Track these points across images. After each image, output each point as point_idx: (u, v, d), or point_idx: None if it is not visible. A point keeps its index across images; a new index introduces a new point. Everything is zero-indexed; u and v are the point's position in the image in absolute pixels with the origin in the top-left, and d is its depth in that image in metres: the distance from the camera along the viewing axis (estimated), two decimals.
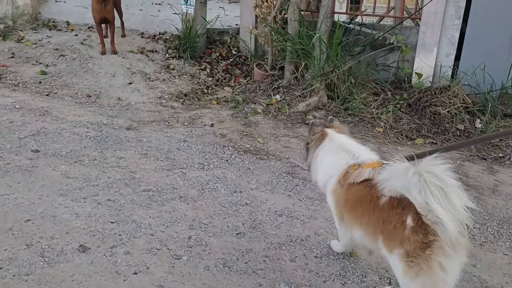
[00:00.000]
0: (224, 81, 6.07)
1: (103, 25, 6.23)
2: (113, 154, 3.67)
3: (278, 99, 5.34)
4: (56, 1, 7.90)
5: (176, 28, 6.61)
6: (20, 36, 6.40)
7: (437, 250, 1.63)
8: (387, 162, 1.98)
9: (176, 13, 6.81)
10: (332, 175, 2.23)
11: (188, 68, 6.15)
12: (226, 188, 3.31)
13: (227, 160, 3.81)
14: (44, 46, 6.19)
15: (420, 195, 1.63)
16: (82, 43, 6.38)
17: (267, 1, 5.99)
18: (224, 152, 3.96)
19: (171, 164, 3.61)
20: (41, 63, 5.69)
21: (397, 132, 4.75)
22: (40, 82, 5.20)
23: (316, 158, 2.34)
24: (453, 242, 1.61)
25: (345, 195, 2.12)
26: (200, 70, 6.18)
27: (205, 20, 6.50)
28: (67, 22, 7.18)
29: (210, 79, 6.07)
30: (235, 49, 6.74)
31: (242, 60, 6.54)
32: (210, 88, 5.79)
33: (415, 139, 4.62)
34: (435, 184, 1.60)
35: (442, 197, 1.59)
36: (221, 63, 6.47)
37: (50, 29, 6.89)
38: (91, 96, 5.05)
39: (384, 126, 4.81)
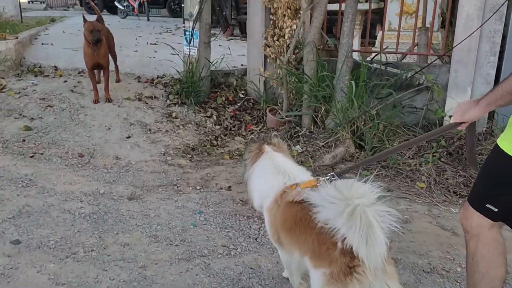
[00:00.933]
0: (233, 129, 5.40)
1: (96, 71, 5.58)
2: (115, 240, 2.93)
3: (299, 151, 4.68)
4: (42, 44, 7.26)
5: (177, 71, 5.98)
6: (1, 84, 5.70)
7: (356, 276, 1.64)
8: (323, 179, 2.02)
9: (174, 53, 6.21)
10: (267, 196, 2.18)
11: (192, 116, 5.49)
12: (264, 284, 2.58)
13: (256, 239, 3.08)
14: (29, 96, 5.50)
15: (347, 230, 1.62)
16: (72, 91, 5.71)
17: (278, 40, 5.42)
18: (250, 227, 3.24)
19: (189, 251, 2.87)
20: (25, 116, 4.97)
21: (443, 187, 4.09)
22: (24, 140, 4.46)
23: (251, 177, 2.31)
24: (374, 270, 1.61)
25: (283, 214, 2.07)
26: (206, 118, 5.52)
27: (209, 61, 5.89)
28: (55, 67, 6.52)
29: (218, 127, 5.40)
30: (243, 92, 6.11)
31: (251, 104, 5.90)
32: (219, 139, 5.11)
33: (466, 196, 3.95)
34: (366, 225, 1.57)
35: (367, 237, 1.58)
36: (228, 108, 5.82)
37: (36, 76, 6.21)
38: (83, 156, 4.32)
39: (427, 181, 4.15)
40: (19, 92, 5.57)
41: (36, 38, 7.65)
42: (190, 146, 4.78)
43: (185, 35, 5.61)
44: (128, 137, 4.78)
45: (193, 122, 5.38)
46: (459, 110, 1.90)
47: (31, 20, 10.61)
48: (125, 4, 14.18)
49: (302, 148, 4.72)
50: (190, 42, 5.58)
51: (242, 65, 6.63)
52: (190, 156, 4.58)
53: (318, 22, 4.92)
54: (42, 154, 4.25)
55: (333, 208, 1.65)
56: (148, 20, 14.13)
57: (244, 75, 6.29)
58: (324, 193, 1.72)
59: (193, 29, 5.45)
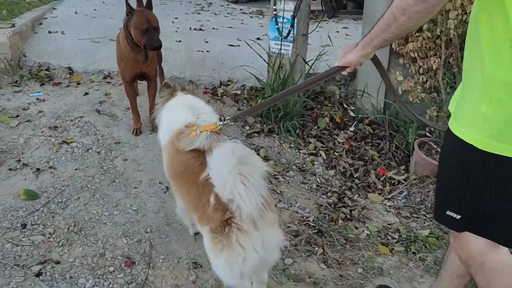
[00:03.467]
0: (357, 178, 3.37)
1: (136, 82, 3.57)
2: None
3: None
4: (49, 33, 5.18)
5: (255, 77, 3.91)
6: None
7: (234, 227, 1.63)
8: (223, 123, 2.00)
9: (233, 45, 4.16)
10: (167, 131, 2.13)
11: (289, 154, 3.46)
12: None
13: None
14: (33, 122, 3.51)
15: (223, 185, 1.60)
16: (98, 111, 3.71)
17: (429, 31, 3.32)
18: None
19: None
20: (26, 165, 2.99)
21: None
22: (24, 227, 2.47)
23: (161, 117, 2.27)
24: (250, 218, 1.59)
25: (172, 158, 2.06)
26: (311, 156, 3.49)
27: (306, 62, 3.81)
28: (69, 69, 4.47)
29: (332, 173, 3.37)
30: (352, 107, 4.04)
31: (372, 129, 3.85)
32: (344, 199, 3.09)
33: None
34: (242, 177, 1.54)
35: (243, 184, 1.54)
36: (337, 135, 3.77)
37: (42, 84, 4.19)
38: (134, 263, 2.32)
39: None
40: (17, 116, 3.57)
41: (40, 24, 5.57)
42: (310, 223, 2.76)
43: (275, 23, 3.50)
44: None
45: (294, 167, 3.35)
46: (340, 53, 1.77)
47: None
48: None
49: None
50: (287, 34, 3.47)
51: None
52: (322, 251, 2.55)
53: None
54: (58, 264, 2.26)
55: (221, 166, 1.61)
56: None
57: (351, 80, 4.21)
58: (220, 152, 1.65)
59: (295, 15, 3.34)
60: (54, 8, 6.95)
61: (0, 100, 3.79)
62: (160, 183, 2.93)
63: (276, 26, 3.46)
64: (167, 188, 2.85)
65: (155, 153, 3.21)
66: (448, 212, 1.47)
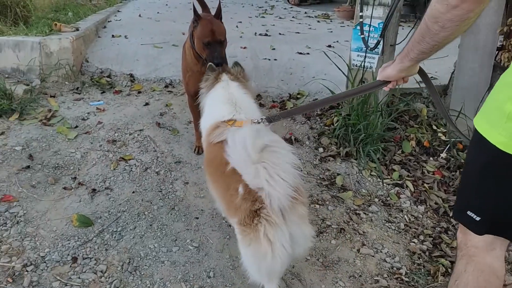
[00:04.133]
0: (453, 217, 2.82)
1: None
2: None
3: None
4: (113, 37, 5.03)
5: (331, 91, 3.47)
6: (49, 110, 3.54)
7: (263, 218, 1.56)
8: (257, 121, 1.93)
9: (303, 53, 3.75)
10: (207, 123, 2.08)
11: (369, 182, 2.99)
12: None
13: None
14: (91, 134, 3.30)
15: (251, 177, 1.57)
16: (159, 124, 3.45)
17: None
18: None
19: None
20: (82, 185, 2.75)
21: None
22: (75, 261, 2.20)
23: (204, 105, 2.20)
24: (279, 209, 1.54)
25: (207, 150, 2.05)
26: (396, 187, 2.99)
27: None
28: (131, 75, 4.27)
29: (422, 209, 2.86)
30: (442, 128, 3.49)
31: (461, 153, 3.28)
32: (439, 246, 2.57)
33: None
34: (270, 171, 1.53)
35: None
36: (425, 161, 3.24)
37: (103, 92, 4.01)
38: None
39: None
40: (76, 127, 3.37)
41: (104, 27, 5.45)
42: (402, 277, 2.27)
43: (360, 32, 3.04)
44: None
45: (376, 200, 2.87)
46: (381, 68, 1.70)
47: None
48: None
49: None
50: (375, 45, 2.99)
51: (431, 77, 3.96)
52: None
53: None
54: None
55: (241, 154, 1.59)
56: None
57: (442, 96, 3.65)
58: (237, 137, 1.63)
59: (386, 24, 2.86)
60: (118, 11, 6.89)
61: (60, 109, 3.62)
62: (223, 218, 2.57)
63: (362, 36, 3.00)
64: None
65: None
66: (469, 212, 1.42)
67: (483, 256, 1.47)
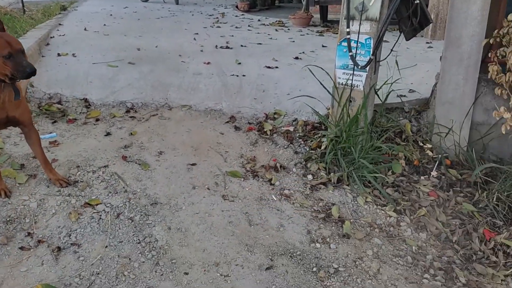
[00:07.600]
0: (457, 243, 2.67)
1: None
2: None
3: None
4: (58, 55, 4.50)
5: (314, 110, 3.23)
6: None
7: None
8: None
9: (270, 67, 3.52)
10: None
11: (366, 211, 2.78)
12: None
13: None
14: (46, 176, 2.80)
15: None
16: (125, 158, 3.03)
17: None
18: None
19: None
20: (40, 242, 2.29)
21: None
22: None
23: None
24: None
25: None
26: (394, 215, 2.80)
27: (377, 94, 3.14)
28: (85, 100, 3.79)
29: (424, 236, 2.68)
30: (428, 144, 3.36)
31: (459, 173, 3.16)
32: (453, 280, 2.39)
33: None
34: None
35: None
36: (416, 181, 3.09)
37: (54, 121, 3.51)
38: None
39: None
40: (23, 166, 2.88)
41: (47, 44, 4.88)
42: None
43: (348, 49, 2.81)
44: None
45: (377, 230, 2.66)
46: None
47: (34, 8, 7.87)
48: None
49: None
50: (366, 64, 2.78)
51: (410, 90, 3.86)
52: None
53: None
54: None
55: None
56: (177, 3, 11.36)
57: (422, 111, 3.54)
58: None
59: (380, 38, 2.65)
60: (60, 24, 6.28)
61: (5, 145, 3.10)
62: (216, 264, 2.23)
63: (350, 53, 2.77)
64: (226, 274, 2.15)
65: (201, 216, 2.53)
66: None
67: None
